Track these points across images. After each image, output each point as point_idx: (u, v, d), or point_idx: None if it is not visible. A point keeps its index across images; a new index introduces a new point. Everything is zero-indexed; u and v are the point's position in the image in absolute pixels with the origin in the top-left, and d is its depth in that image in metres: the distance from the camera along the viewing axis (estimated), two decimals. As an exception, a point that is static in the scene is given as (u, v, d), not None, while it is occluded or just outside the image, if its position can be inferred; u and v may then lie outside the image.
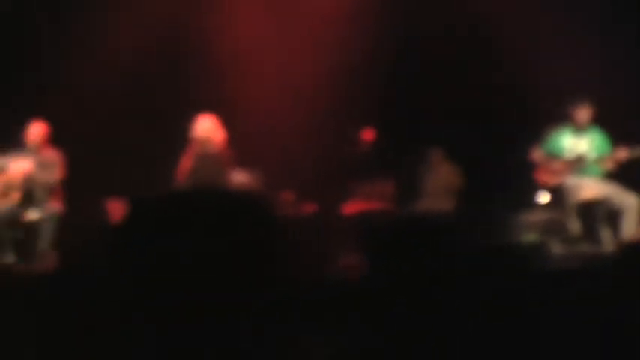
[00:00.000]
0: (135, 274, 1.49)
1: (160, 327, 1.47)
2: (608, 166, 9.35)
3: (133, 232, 1.54)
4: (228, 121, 9.56)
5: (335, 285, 3.98)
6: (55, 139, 9.81)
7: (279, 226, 1.57)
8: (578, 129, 9.47)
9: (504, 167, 10.62)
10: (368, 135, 10.53)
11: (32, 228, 9.52)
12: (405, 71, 11.63)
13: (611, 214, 9.28)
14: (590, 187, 9.29)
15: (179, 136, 9.36)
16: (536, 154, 9.63)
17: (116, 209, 9.59)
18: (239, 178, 10.15)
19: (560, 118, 9.59)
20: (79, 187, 9.85)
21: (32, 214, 9.52)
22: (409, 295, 2.41)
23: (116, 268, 1.52)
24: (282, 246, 1.56)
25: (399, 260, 2.45)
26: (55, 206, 9.56)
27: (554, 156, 9.51)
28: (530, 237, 8.72)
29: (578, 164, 9.36)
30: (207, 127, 9.27)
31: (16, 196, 9.49)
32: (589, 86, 9.58)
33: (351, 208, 10.54)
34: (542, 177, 9.53)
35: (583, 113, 9.44)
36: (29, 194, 9.54)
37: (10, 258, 9.29)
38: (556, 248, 8.90)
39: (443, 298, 2.44)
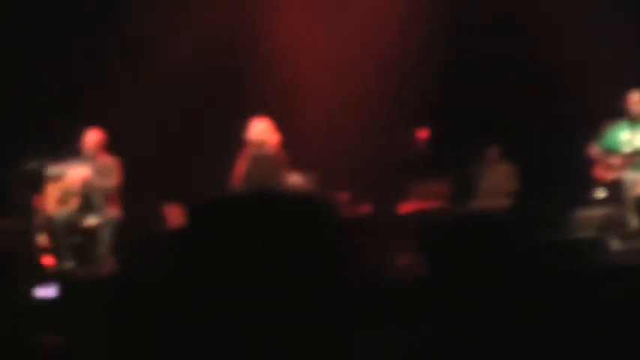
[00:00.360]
0: (197, 278, 1.50)
1: (222, 330, 1.48)
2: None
3: (194, 236, 1.54)
4: (282, 124, 9.57)
5: (393, 284, 3.96)
6: (111, 146, 9.89)
7: (339, 227, 1.56)
8: (635, 122, 9.36)
9: (562, 164, 10.54)
10: (423, 134, 10.48)
11: (91, 233, 9.60)
12: (460, 69, 11.56)
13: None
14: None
15: (234, 141, 9.39)
16: (594, 150, 9.54)
17: (173, 214, 9.65)
18: (294, 180, 10.17)
19: (617, 113, 9.49)
20: (136, 192, 9.93)
21: (90, 220, 9.61)
22: (468, 293, 2.39)
23: (179, 272, 1.52)
24: (342, 247, 1.55)
25: (457, 259, 2.43)
26: (112, 212, 9.63)
27: (611, 151, 9.41)
28: (588, 233, 8.62)
29: (636, 158, 9.25)
30: (261, 130, 9.30)
31: (74, 203, 9.59)
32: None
33: (407, 207, 10.51)
34: (600, 172, 9.43)
35: (637, 104, 9.33)
36: (87, 200, 9.63)
37: (69, 264, 9.37)
38: (614, 244, 8.79)
39: (502, 296, 2.42)
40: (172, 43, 11.38)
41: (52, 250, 9.30)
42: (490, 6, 11.36)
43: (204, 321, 1.50)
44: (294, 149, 9.59)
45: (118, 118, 10.30)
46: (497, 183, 11.26)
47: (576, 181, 10.00)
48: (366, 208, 9.97)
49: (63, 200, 9.60)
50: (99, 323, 2.40)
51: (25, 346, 2.69)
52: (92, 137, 9.75)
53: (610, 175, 9.33)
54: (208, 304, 1.50)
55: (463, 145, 11.21)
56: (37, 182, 9.64)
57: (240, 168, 9.26)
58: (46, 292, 4.77)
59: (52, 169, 9.66)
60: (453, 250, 2.46)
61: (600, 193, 9.35)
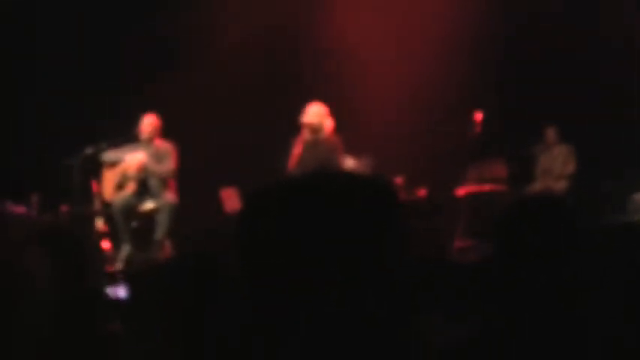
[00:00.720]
0: (261, 264, 1.48)
1: (287, 317, 1.46)
2: None
3: (252, 221, 1.53)
4: (337, 109, 9.57)
5: (453, 267, 3.95)
6: (167, 131, 9.95)
7: (401, 209, 1.54)
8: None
9: (620, 146, 10.43)
10: (478, 116, 10.40)
11: (148, 218, 9.68)
12: (519, 52, 11.49)
13: None
14: None
15: (291, 126, 9.41)
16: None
17: (230, 198, 9.69)
18: (349, 164, 10.16)
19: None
20: (193, 177, 9.99)
21: (148, 205, 9.68)
22: (531, 277, 2.36)
23: (241, 259, 1.51)
24: (403, 228, 1.53)
25: (519, 242, 2.41)
26: (169, 196, 9.69)
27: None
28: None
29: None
30: (316, 114, 9.30)
31: (131, 187, 9.66)
32: None
33: (464, 190, 10.46)
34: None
35: None
36: (144, 185, 9.70)
37: (127, 248, 9.46)
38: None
39: (564, 280, 2.39)
40: (228, 30, 11.43)
41: (110, 234, 9.39)
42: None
43: (262, 308, 1.49)
44: (349, 133, 9.58)
45: (174, 103, 10.37)
46: (556, 165, 11.17)
47: (636, 164, 9.90)
48: (422, 192, 9.93)
49: (120, 185, 9.69)
50: (157, 308, 2.40)
51: (95, 333, 2.71)
52: (148, 122, 9.80)
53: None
54: (267, 291, 1.48)
55: (521, 127, 11.13)
56: (95, 168, 9.74)
57: (296, 152, 9.27)
58: (117, 292, 4.83)
59: (110, 155, 9.75)
60: (514, 233, 2.44)
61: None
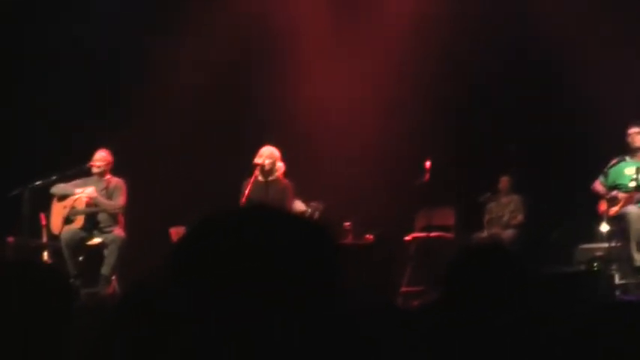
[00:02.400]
0: (188, 292, 1.50)
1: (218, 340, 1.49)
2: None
3: (190, 251, 1.55)
4: (289, 153, 9.66)
5: (398, 313, 3.96)
6: (120, 169, 9.93)
7: (334, 251, 1.57)
8: (638, 157, 9.41)
9: (567, 198, 10.58)
10: (428, 164, 10.51)
11: (96, 252, 9.61)
12: (471, 104, 11.64)
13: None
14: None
15: (243, 167, 9.46)
16: (598, 185, 9.57)
17: (179, 236, 9.66)
18: (299, 207, 10.22)
19: (623, 149, 9.53)
20: (142, 214, 9.96)
21: (96, 239, 9.62)
22: (477, 322, 2.40)
23: (175, 286, 1.53)
24: (337, 270, 1.56)
25: (466, 288, 2.45)
26: (118, 232, 9.64)
27: (616, 186, 9.44)
28: (592, 267, 8.64)
29: (639, 194, 9.28)
30: (268, 155, 9.38)
31: (80, 221, 9.61)
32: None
33: (412, 236, 10.53)
34: (605, 207, 9.45)
35: (638, 138, 9.40)
36: (93, 219, 9.65)
37: (74, 282, 9.38)
38: (618, 278, 8.81)
39: (507, 328, 2.44)
40: (182, 71, 11.48)
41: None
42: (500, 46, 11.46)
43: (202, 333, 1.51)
44: (300, 179, 9.66)
45: (127, 140, 10.36)
46: (504, 213, 11.26)
47: (582, 216, 10.03)
48: (370, 237, 10.00)
49: (69, 219, 9.63)
50: (101, 343, 2.41)
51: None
52: (101, 157, 9.77)
53: (615, 210, 9.34)
54: (205, 317, 1.50)
55: (472, 175, 11.24)
56: (44, 200, 9.67)
57: (247, 193, 9.31)
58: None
59: (59, 187, 9.70)
60: (457, 280, 2.47)
61: (605, 228, 9.36)
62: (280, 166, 9.50)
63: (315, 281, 1.47)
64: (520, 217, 11.20)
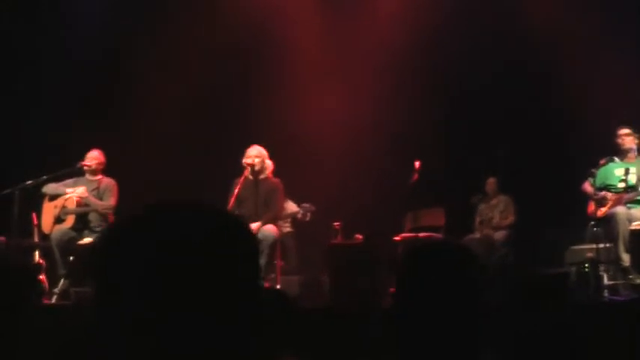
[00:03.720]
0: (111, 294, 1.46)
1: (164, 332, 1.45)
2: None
3: (102, 253, 1.53)
4: (279, 153, 9.68)
5: (382, 313, 4.00)
6: (110, 169, 9.94)
7: (255, 246, 1.53)
8: (627, 158, 9.45)
9: (556, 198, 10.60)
10: (417, 164, 10.53)
11: (86, 252, 9.60)
12: (460, 103, 11.68)
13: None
14: (640, 218, 9.21)
15: (233, 166, 9.48)
16: (587, 186, 9.60)
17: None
18: (291, 208, 10.26)
19: (612, 150, 9.57)
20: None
21: (86, 239, 9.62)
22: (445, 326, 2.36)
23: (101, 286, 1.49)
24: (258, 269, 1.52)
25: (428, 287, 2.39)
26: (108, 232, 9.61)
27: (605, 187, 9.46)
28: (580, 267, 8.65)
29: (628, 195, 9.30)
30: (257, 155, 9.41)
31: (70, 221, 9.61)
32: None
33: (400, 237, 10.55)
34: (593, 208, 9.47)
35: (627, 139, 9.44)
36: (84, 220, 9.65)
37: (63, 282, 9.37)
38: (607, 279, 8.82)
39: (490, 331, 2.41)
40: (174, 72, 11.51)
41: (47, 267, 9.32)
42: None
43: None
44: (290, 179, 9.69)
45: (119, 140, 10.37)
46: (494, 215, 11.28)
47: (571, 216, 10.05)
48: (359, 237, 10.00)
49: (60, 219, 9.63)
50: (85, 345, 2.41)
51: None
52: (93, 157, 9.79)
53: (603, 211, 9.36)
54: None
55: (462, 176, 11.27)
56: (35, 200, 9.68)
57: (236, 192, 9.32)
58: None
59: (50, 187, 9.71)
60: (425, 278, 2.41)
61: (593, 229, 9.38)
62: (269, 164, 9.52)
63: (230, 277, 1.42)
64: (511, 218, 11.22)
